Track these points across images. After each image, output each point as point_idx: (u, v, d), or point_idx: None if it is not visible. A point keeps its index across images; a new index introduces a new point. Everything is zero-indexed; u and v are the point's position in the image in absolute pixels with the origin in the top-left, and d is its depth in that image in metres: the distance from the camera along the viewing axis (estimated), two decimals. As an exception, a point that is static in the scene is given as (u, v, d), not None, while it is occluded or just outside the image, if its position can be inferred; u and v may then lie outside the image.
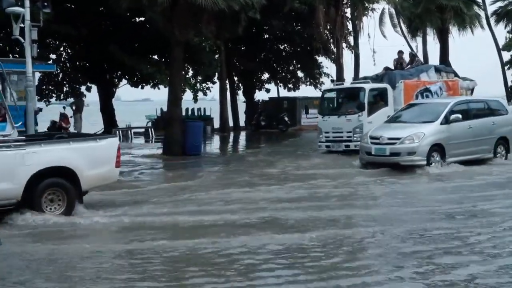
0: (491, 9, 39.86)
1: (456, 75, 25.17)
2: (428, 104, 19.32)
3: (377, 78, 23.01)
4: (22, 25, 19.47)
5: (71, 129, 26.60)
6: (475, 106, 18.82)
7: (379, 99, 21.61)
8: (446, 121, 17.09)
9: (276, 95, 43.17)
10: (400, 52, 25.45)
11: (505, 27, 39.40)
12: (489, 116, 18.43)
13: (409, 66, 25.02)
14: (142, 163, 20.61)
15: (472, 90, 25.29)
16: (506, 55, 50.26)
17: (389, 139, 16.83)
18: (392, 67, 24.41)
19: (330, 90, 24.04)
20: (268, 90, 43.08)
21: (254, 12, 27.57)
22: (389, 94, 21.61)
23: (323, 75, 41.43)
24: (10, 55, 29.45)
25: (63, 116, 25.58)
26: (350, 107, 21.62)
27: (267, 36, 40.32)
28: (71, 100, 32.57)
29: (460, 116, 17.20)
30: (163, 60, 32.00)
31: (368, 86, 21.49)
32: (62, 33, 27.86)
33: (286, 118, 36.59)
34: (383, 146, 16.81)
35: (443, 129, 17.05)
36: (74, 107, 30.32)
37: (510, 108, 19.67)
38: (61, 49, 33.78)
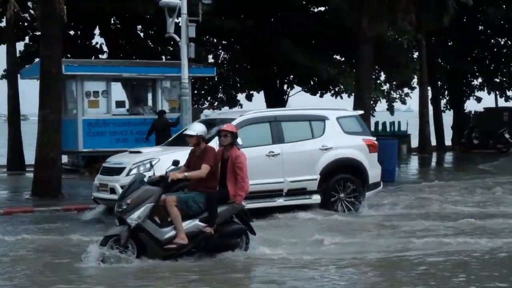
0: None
1: None
2: None
3: None
4: (177, 20, 20.72)
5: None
6: None
7: None
8: None
9: (493, 105, 43.86)
10: None
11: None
12: None
13: None
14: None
15: None
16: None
17: None
18: None
19: None
20: (479, 99, 44.30)
21: (467, -4, 27.96)
22: None
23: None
24: (163, 56, 30.95)
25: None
26: None
27: (482, 27, 40.99)
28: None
29: None
30: (346, 60, 33.14)
31: None
32: (225, 29, 28.84)
33: (507, 135, 36.37)
34: None
35: None
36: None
37: None
38: (219, 47, 35.23)
